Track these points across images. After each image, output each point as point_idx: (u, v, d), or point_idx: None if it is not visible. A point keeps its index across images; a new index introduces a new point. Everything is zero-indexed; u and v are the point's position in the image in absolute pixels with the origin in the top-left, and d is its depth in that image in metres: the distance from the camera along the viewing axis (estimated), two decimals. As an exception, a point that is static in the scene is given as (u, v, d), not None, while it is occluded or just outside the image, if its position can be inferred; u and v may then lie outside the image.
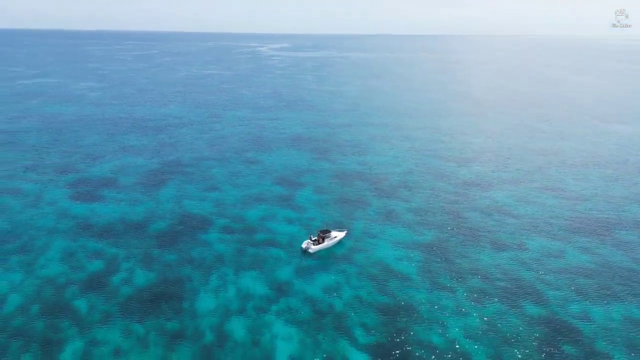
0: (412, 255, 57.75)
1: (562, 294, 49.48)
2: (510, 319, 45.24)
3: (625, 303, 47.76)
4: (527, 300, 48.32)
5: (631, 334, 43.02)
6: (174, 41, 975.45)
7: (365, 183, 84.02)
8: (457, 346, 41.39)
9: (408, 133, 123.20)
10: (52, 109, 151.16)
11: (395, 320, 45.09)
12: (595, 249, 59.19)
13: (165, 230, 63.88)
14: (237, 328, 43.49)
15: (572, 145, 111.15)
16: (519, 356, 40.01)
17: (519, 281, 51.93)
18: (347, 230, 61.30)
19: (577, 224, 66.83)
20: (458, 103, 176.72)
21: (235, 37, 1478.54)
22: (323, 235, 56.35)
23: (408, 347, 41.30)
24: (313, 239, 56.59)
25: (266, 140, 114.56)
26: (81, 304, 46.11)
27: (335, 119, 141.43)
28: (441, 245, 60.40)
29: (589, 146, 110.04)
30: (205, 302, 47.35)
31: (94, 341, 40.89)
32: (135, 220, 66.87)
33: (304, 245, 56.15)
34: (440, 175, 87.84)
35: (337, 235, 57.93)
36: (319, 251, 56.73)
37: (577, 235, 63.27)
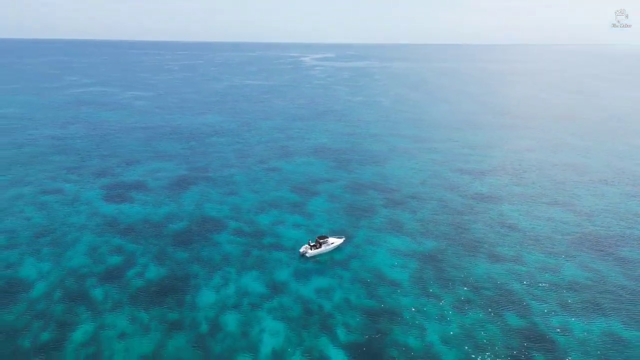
0: (407, 263, 60.19)
1: (547, 306, 50.52)
2: (488, 328, 46.98)
3: (609, 319, 48.27)
4: (510, 311, 49.76)
5: (607, 348, 43.78)
6: (221, 51, 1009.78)
7: (378, 193, 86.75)
8: (431, 349, 43.74)
9: (431, 145, 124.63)
10: (99, 116, 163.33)
11: (378, 322, 47.88)
12: (592, 265, 59.37)
13: (182, 230, 69.42)
14: (230, 321, 47.71)
15: (597, 160, 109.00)
16: (488, 362, 41.94)
17: (507, 293, 53.30)
18: (345, 238, 64.56)
19: (580, 239, 66.81)
20: (490, 115, 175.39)
21: (282, 47, 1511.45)
22: (320, 240, 59.98)
23: (384, 347, 44.04)
24: (311, 244, 60.31)
25: (291, 149, 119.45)
26: (97, 293, 51.91)
27: (362, 130, 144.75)
28: (438, 255, 62.40)
29: (614, 162, 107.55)
30: (206, 297, 51.92)
31: (103, 325, 46.30)
32: (156, 220, 72.94)
33: (301, 250, 59.98)
34: (452, 187, 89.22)
35: (334, 241, 61.37)
36: (318, 255, 60.35)
37: (578, 250, 63.43)
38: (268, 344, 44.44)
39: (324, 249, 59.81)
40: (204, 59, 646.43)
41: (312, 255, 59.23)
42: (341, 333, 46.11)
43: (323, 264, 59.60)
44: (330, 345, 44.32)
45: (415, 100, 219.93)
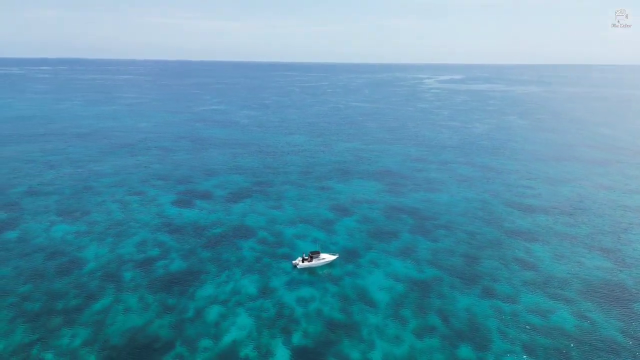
0: (396, 287, 62.78)
1: (509, 346, 49.70)
2: (435, 356, 48.35)
3: (569, 368, 46.05)
4: (468, 344, 50.14)
5: (543, 394, 42.49)
6: (352, 73, 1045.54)
7: (412, 219, 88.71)
8: (366, 364, 47.03)
9: (495, 175, 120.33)
10: (207, 132, 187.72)
11: (333, 333, 52.29)
12: (590, 315, 55.48)
13: (217, 234, 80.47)
14: (212, 312, 56.24)
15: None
16: (410, 384, 43.93)
17: (477, 327, 53.28)
18: (338, 255, 69.17)
19: (597, 288, 61.98)
20: (589, 148, 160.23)
21: (416, 68, 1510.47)
22: (312, 255, 65.82)
23: (325, 356, 48.49)
24: (305, 257, 66.45)
25: (352, 171, 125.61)
26: (126, 276, 64.70)
27: (433, 156, 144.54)
28: (431, 283, 63.67)
29: None
30: (205, 291, 61.25)
31: (118, 300, 58.34)
32: (202, 224, 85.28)
33: (294, 262, 66.50)
34: (492, 221, 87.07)
35: (325, 257, 66.63)
36: (314, 268, 66.23)
37: (586, 299, 59.31)
38: (231, 334, 51.92)
39: (314, 263, 65.54)
40: (328, 81, 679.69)
41: (302, 267, 65.40)
42: (296, 337, 51.59)
43: (317, 276, 65.26)
44: (281, 345, 50.17)
45: (514, 128, 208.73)
